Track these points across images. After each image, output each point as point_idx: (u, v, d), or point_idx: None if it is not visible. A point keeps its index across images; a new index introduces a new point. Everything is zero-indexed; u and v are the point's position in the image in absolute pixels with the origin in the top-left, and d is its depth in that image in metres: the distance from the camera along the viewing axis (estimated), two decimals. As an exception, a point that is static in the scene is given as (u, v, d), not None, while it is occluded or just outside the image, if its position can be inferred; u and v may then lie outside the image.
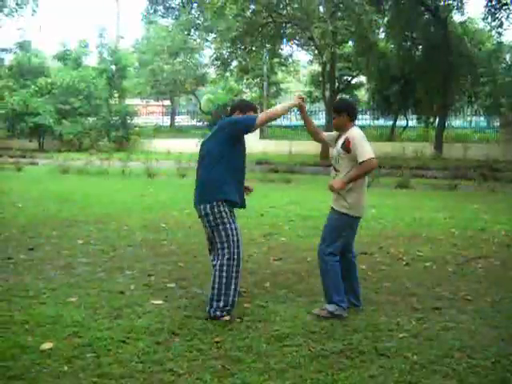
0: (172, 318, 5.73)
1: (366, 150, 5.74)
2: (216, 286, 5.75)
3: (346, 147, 5.84)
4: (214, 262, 5.88)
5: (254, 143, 31.92)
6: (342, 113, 6.00)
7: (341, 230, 5.95)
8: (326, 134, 6.39)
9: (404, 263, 8.10)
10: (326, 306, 5.88)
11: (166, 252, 8.70)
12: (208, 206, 5.77)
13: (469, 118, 40.12)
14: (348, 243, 6.10)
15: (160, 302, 6.23)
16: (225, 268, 5.74)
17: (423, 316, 5.87)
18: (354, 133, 5.89)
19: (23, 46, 46.84)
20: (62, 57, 44.69)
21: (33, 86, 39.04)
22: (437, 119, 33.95)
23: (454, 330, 5.48)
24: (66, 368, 4.62)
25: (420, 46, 34.70)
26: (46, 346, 4.99)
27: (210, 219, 5.79)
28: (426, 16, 32.02)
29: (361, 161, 5.70)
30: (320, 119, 41.86)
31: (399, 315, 5.88)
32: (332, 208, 6.03)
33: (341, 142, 5.96)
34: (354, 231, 6.14)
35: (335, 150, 6.03)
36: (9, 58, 48.40)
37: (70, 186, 16.86)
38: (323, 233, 6.07)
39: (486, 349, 5.03)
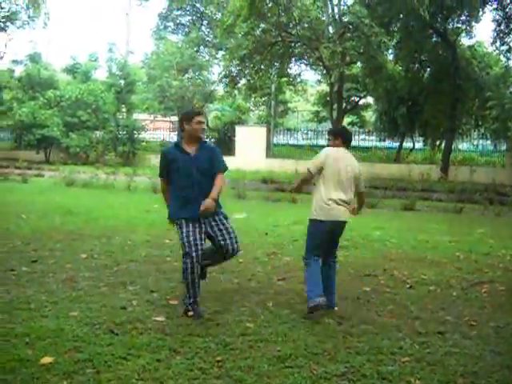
0: (173, 335, 5.70)
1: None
2: None
3: None
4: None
5: (259, 162, 32.02)
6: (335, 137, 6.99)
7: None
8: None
9: (408, 286, 8.04)
10: None
11: (169, 268, 8.66)
12: None
13: (475, 142, 40.08)
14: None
15: (162, 318, 6.19)
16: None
17: (426, 340, 5.81)
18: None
19: (33, 58, 47.09)
20: (72, 70, 44.90)
21: (41, 98, 39.16)
22: (443, 142, 33.97)
23: (458, 355, 5.43)
24: (65, 383, 4.59)
25: (428, 69, 34.78)
26: (46, 360, 4.97)
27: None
28: (435, 39, 32.12)
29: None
30: (326, 139, 41.89)
31: (402, 339, 5.83)
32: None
33: None
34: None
35: None
36: (19, 70, 48.71)
37: (75, 199, 16.85)
38: None
39: (489, 375, 4.98)
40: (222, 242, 6.55)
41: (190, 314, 6.32)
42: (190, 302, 6.38)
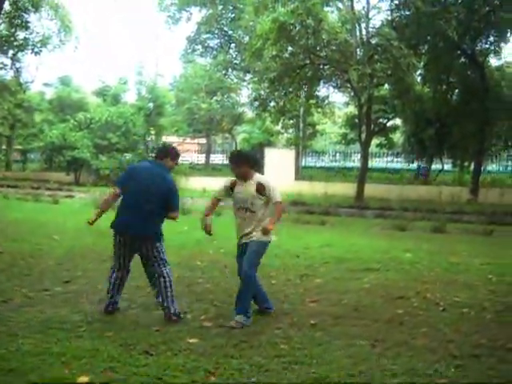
0: (208, 356, 5.71)
1: (278, 193, 7.20)
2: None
3: (260, 191, 7.14)
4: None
5: (288, 184, 32.00)
6: (244, 164, 7.27)
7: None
8: (218, 194, 7.77)
9: (441, 309, 7.96)
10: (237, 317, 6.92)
11: (201, 290, 8.70)
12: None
13: (505, 163, 39.82)
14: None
15: (196, 340, 6.22)
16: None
17: (462, 363, 5.73)
18: (264, 179, 7.29)
19: (64, 81, 47.77)
20: (101, 93, 45.46)
21: (72, 121, 39.70)
22: (472, 163, 33.77)
23: (496, 379, 5.35)
24: (102, 403, 4.64)
25: (456, 90, 34.65)
26: (83, 379, 5.03)
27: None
28: (463, 60, 31.99)
29: (277, 201, 7.19)
30: (354, 161, 41.85)
31: (437, 361, 5.77)
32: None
33: (252, 187, 7.19)
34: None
35: (247, 195, 7.23)
36: (50, 93, 49.47)
37: (106, 221, 16.90)
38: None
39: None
40: None
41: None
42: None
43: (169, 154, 7.47)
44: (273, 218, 7.24)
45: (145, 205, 7.16)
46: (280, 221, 7.48)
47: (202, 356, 5.73)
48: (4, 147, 47.24)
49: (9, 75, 38.77)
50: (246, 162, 7.29)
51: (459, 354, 6.04)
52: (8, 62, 32.33)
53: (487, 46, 31.47)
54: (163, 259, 7.33)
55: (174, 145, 8.71)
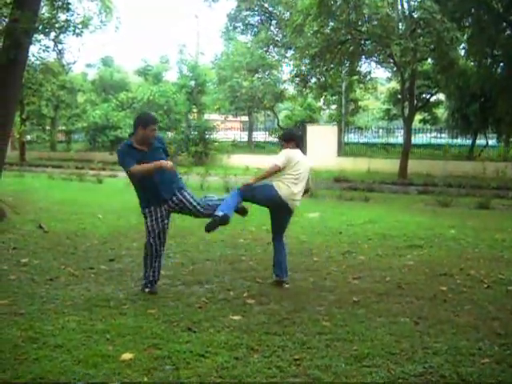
0: (251, 333, 5.74)
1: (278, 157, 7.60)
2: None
3: None
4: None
5: (331, 160, 31.85)
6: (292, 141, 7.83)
7: None
8: None
9: (485, 286, 7.87)
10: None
11: (244, 267, 8.73)
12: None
13: (552, 137, 38.96)
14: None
15: (239, 317, 6.26)
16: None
17: (506, 342, 5.66)
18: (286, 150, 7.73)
19: (106, 61, 48.14)
20: (143, 72, 45.67)
21: (114, 100, 39.99)
22: (518, 138, 33.17)
23: (541, 357, 5.28)
24: (145, 379, 4.70)
25: (501, 64, 33.94)
26: (127, 356, 5.09)
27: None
28: (508, 32, 31.28)
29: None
30: (398, 137, 41.40)
31: (481, 339, 5.71)
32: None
33: None
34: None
35: None
36: (92, 73, 49.92)
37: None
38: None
39: None
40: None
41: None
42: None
43: (138, 123, 7.22)
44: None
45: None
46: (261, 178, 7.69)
47: (245, 333, 5.76)
48: (48, 128, 47.81)
49: (51, 57, 39.17)
50: (293, 140, 7.82)
51: (504, 332, 5.96)
52: (50, 44, 32.56)
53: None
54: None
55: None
